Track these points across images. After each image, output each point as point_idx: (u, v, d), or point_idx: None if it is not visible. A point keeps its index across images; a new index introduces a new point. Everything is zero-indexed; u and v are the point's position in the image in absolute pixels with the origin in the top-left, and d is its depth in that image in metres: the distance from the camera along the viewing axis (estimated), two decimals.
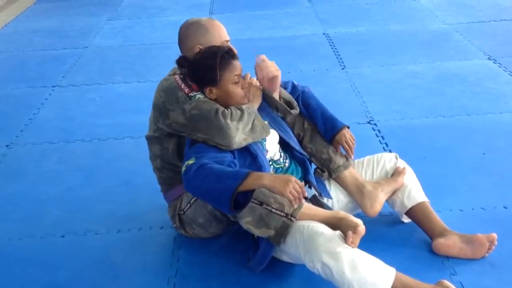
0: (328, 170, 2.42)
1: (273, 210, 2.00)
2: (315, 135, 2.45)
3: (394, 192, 2.38)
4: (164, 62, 4.71)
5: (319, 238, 1.94)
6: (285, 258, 2.17)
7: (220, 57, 2.18)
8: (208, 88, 2.22)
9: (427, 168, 2.81)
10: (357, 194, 2.38)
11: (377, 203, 2.34)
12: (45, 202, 2.83)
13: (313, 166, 2.45)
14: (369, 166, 2.46)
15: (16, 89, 4.36)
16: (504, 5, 5.75)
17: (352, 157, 2.43)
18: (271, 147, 2.30)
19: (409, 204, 2.35)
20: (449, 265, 2.20)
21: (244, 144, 2.16)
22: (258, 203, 2.01)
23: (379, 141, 3.21)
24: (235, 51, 2.26)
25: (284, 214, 2.00)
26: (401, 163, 2.44)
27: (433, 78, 4.09)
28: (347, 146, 2.42)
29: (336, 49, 4.78)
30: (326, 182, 2.44)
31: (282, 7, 6.14)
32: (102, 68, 4.70)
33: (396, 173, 2.40)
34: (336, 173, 2.41)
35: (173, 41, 5.42)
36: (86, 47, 5.25)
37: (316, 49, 4.84)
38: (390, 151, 2.94)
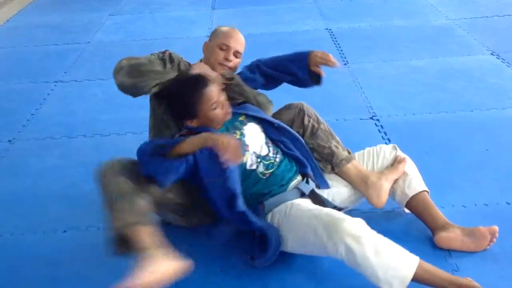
0: (331, 165, 2.41)
1: None
2: (315, 131, 2.44)
3: (396, 181, 2.38)
4: None
5: (343, 223, 1.94)
6: (291, 247, 2.15)
7: (193, 92, 2.19)
8: (189, 121, 2.25)
9: (430, 164, 2.80)
10: (362, 186, 2.37)
11: (383, 193, 2.34)
12: (47, 198, 2.83)
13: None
14: (370, 159, 2.46)
15: (18, 85, 4.35)
16: (507, 0, 5.72)
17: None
18: (252, 140, 2.28)
19: (410, 193, 2.35)
20: (452, 261, 2.20)
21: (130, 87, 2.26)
22: None
23: (382, 136, 3.20)
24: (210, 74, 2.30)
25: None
26: (401, 154, 2.45)
27: (436, 74, 4.08)
28: (323, 61, 2.37)
29: (338, 44, 4.77)
30: (327, 176, 2.42)
31: (285, 2, 6.11)
32: (104, 64, 4.69)
33: (396, 162, 2.41)
34: (339, 167, 2.40)
35: (176, 36, 5.45)
36: (88, 42, 5.25)
37: (318, 44, 4.81)
38: None
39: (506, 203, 2.57)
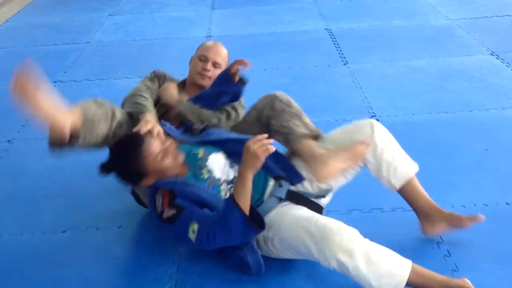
0: (288, 144, 2.33)
1: None
2: (282, 112, 2.34)
3: (379, 173, 2.28)
4: (166, 58, 4.71)
5: (334, 239, 1.91)
6: (286, 256, 2.15)
7: (132, 154, 2.10)
8: (144, 181, 2.16)
9: (430, 164, 2.80)
10: (309, 160, 2.24)
11: (328, 167, 2.18)
12: (46, 198, 2.83)
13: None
14: (340, 138, 2.32)
15: None
16: (506, 0, 5.73)
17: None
18: (219, 172, 2.20)
19: (397, 184, 2.28)
20: (451, 261, 2.20)
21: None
22: None
23: None
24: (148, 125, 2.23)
25: None
26: (379, 132, 2.30)
27: (435, 74, 4.08)
28: (237, 63, 2.41)
29: (338, 44, 4.76)
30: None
31: (285, 2, 6.11)
32: (103, 64, 4.70)
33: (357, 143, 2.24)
34: (295, 144, 2.29)
35: (175, 36, 5.44)
36: (88, 42, 5.25)
37: (318, 44, 4.83)
38: None
39: (506, 203, 2.56)
